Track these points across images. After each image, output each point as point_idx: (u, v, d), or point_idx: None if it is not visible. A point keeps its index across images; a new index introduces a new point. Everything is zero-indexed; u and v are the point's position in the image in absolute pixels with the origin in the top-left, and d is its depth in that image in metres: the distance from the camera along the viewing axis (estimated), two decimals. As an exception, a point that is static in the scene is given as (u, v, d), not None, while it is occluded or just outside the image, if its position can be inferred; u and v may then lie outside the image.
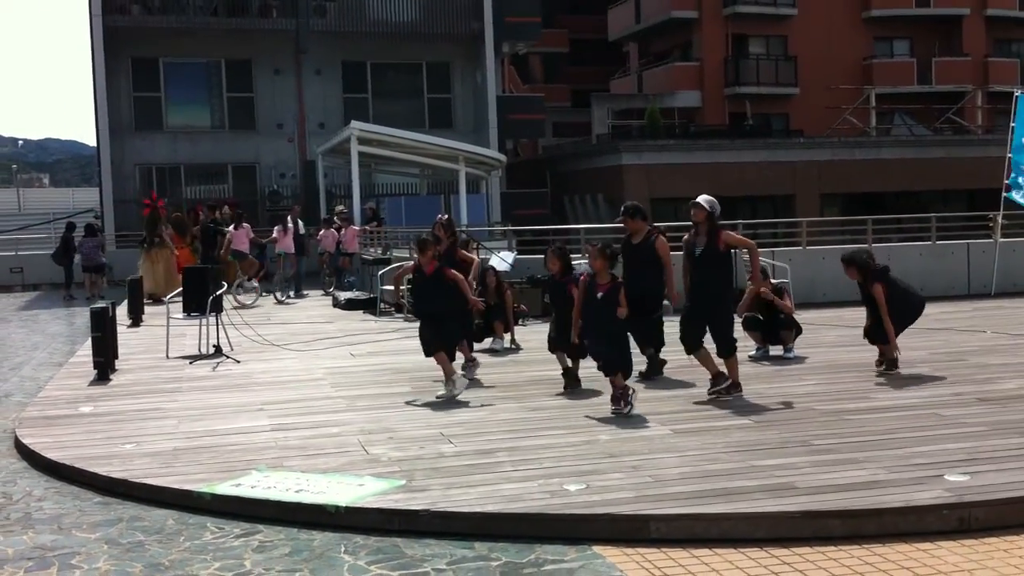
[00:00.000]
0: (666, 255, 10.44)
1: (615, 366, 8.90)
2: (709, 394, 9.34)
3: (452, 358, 10.04)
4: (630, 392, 8.88)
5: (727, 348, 9.36)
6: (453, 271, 10.17)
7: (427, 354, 9.94)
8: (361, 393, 10.10)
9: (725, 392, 9.32)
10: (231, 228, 21.70)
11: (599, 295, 8.96)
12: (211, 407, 9.72)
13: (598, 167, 36.77)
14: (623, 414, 8.71)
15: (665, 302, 10.70)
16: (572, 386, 10.00)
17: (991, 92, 44.30)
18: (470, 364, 10.88)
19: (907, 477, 6.59)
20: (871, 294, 10.52)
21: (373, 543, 6.03)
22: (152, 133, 33.37)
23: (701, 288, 9.38)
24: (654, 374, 10.60)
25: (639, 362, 10.79)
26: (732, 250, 9.65)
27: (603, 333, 8.97)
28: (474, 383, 10.39)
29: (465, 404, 9.51)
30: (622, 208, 10.74)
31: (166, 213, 23.60)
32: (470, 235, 17.53)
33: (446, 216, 11.98)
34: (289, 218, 22.67)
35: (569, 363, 10.14)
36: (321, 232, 23.36)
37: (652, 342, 10.77)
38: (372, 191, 32.57)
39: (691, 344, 9.42)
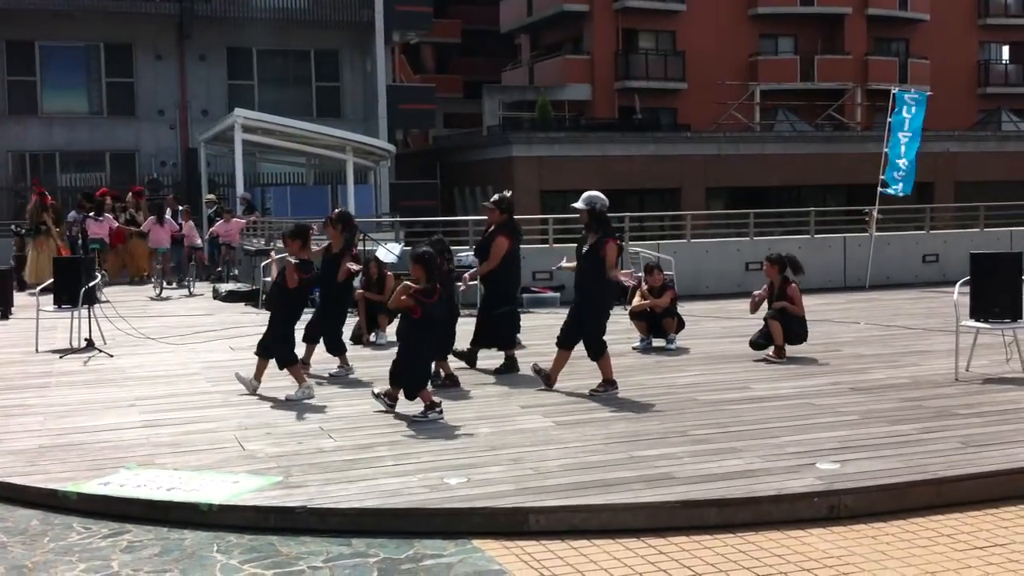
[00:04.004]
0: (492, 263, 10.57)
1: (416, 387, 8.45)
2: (591, 393, 9.33)
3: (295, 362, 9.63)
4: (437, 406, 8.40)
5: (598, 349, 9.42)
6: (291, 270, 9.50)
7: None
8: (239, 388, 9.83)
9: (603, 391, 9.34)
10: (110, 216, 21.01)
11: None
12: (80, 403, 9.37)
13: (489, 159, 36.81)
14: (426, 420, 8.26)
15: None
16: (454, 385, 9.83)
17: (871, 90, 45.70)
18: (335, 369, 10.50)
19: (781, 466, 6.71)
20: (786, 290, 11.05)
21: (247, 541, 5.88)
22: (26, 118, 32.21)
23: (580, 287, 9.49)
24: (513, 370, 10.58)
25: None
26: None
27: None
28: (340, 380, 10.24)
29: (346, 398, 9.37)
30: (499, 199, 10.76)
31: (50, 200, 22.73)
32: (357, 226, 17.32)
33: (337, 211, 11.62)
34: (168, 210, 22.02)
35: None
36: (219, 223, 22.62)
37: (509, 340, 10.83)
38: (257, 180, 32.00)
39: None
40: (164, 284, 20.16)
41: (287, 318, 9.65)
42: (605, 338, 9.42)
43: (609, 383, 9.35)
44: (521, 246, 11.09)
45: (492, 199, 10.76)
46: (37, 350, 12.40)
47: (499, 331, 10.68)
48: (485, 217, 10.96)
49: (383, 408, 8.59)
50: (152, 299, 18.70)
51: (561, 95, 43.07)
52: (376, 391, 8.75)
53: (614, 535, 5.83)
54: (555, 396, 9.27)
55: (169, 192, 28.84)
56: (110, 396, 9.67)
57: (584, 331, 9.36)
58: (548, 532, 5.90)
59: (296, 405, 9.06)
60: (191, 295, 19.43)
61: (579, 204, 9.42)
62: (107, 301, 13.95)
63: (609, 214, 9.62)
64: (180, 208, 23.03)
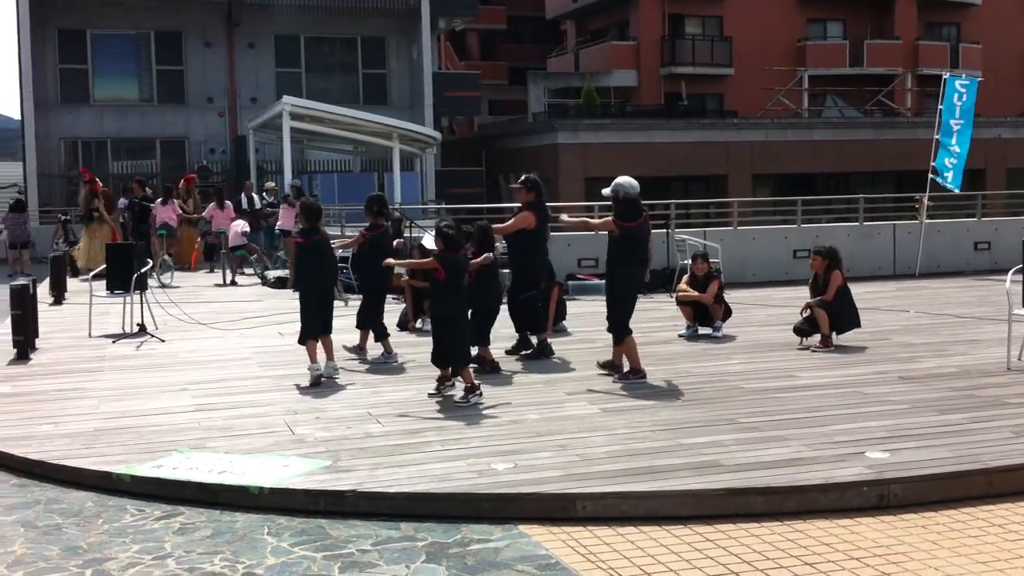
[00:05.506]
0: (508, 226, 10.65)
1: (459, 361, 8.71)
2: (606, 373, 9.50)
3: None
4: (477, 389, 8.52)
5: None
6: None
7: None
8: (288, 373, 9.95)
9: (613, 373, 9.44)
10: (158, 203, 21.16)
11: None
12: (133, 387, 9.53)
13: (534, 146, 36.72)
14: (468, 404, 8.39)
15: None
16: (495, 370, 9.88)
17: (921, 75, 44.98)
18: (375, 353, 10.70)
19: (829, 454, 6.68)
20: (829, 279, 10.99)
21: (297, 524, 5.96)
22: (78, 106, 32.63)
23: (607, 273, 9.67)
24: (545, 355, 10.64)
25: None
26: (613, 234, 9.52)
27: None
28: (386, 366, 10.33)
29: (393, 384, 9.44)
30: (526, 178, 10.82)
31: (100, 187, 23.00)
32: (403, 213, 17.42)
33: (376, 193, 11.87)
34: (243, 196, 22.15)
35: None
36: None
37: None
38: (304, 167, 32.20)
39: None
40: (227, 270, 20.14)
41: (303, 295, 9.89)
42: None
43: (635, 372, 9.36)
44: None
45: (520, 179, 10.84)
46: (90, 335, 12.61)
47: (527, 316, 10.75)
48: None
49: (443, 395, 8.67)
50: (218, 285, 18.82)
51: (607, 81, 42.84)
52: (431, 392, 8.82)
53: (661, 522, 5.84)
54: (601, 383, 9.28)
55: (220, 179, 29.08)
56: (162, 380, 9.82)
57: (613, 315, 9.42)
58: (595, 518, 5.92)
59: (344, 391, 9.14)
60: (265, 281, 19.30)
61: (606, 191, 9.49)
62: (177, 286, 13.96)
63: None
64: (254, 195, 23.21)
